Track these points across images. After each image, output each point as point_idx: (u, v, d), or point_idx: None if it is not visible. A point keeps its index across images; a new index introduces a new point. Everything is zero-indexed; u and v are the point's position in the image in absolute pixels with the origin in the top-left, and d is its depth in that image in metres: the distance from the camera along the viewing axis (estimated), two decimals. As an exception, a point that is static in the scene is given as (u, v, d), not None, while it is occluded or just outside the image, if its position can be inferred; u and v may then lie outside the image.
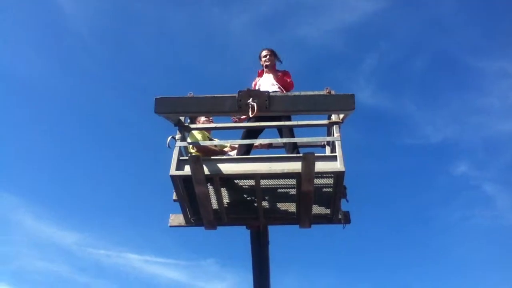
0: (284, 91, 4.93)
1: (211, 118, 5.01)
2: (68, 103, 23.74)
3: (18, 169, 23.58)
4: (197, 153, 4.54)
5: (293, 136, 4.59)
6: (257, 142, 4.93)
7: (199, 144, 4.62)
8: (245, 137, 4.72)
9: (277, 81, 5.19)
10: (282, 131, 4.73)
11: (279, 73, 5.37)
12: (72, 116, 24.50)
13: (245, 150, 4.71)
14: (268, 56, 5.44)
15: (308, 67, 22.73)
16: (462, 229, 22.97)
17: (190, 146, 4.46)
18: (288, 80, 5.28)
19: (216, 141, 5.06)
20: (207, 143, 4.72)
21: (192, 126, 4.39)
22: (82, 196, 24.44)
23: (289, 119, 4.54)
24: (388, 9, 22.74)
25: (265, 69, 5.42)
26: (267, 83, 5.21)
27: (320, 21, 23.42)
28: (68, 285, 21.04)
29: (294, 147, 4.58)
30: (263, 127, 4.63)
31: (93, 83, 24.01)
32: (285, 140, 4.56)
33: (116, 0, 22.50)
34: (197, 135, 4.82)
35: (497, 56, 23.27)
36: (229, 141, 4.82)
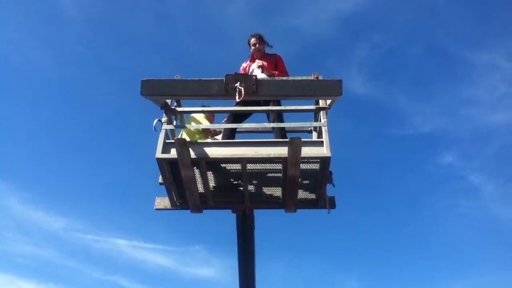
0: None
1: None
2: (56, 89, 23.43)
3: (4, 154, 23.33)
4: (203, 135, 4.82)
5: (281, 120, 4.58)
6: (243, 126, 4.91)
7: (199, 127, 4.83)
8: (231, 121, 4.70)
9: (269, 75, 5.03)
10: (269, 115, 4.71)
11: (270, 61, 5.23)
12: (59, 102, 24.22)
13: (230, 133, 4.69)
14: (257, 45, 5.34)
15: (301, 55, 22.74)
16: (447, 218, 23.49)
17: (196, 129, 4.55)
18: (282, 71, 5.13)
19: (204, 125, 5.05)
20: (194, 126, 4.71)
21: (179, 109, 4.35)
22: (69, 181, 24.34)
23: (278, 103, 4.52)
24: (382, -1, 22.71)
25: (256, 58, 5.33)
26: (258, 72, 5.11)
27: (314, 9, 23.33)
28: (56, 269, 21.08)
29: (282, 130, 4.57)
30: (251, 112, 4.60)
31: (82, 68, 23.65)
32: (272, 125, 4.55)
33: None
34: (203, 120, 4.94)
35: (487, 48, 23.52)
36: (215, 125, 4.80)
